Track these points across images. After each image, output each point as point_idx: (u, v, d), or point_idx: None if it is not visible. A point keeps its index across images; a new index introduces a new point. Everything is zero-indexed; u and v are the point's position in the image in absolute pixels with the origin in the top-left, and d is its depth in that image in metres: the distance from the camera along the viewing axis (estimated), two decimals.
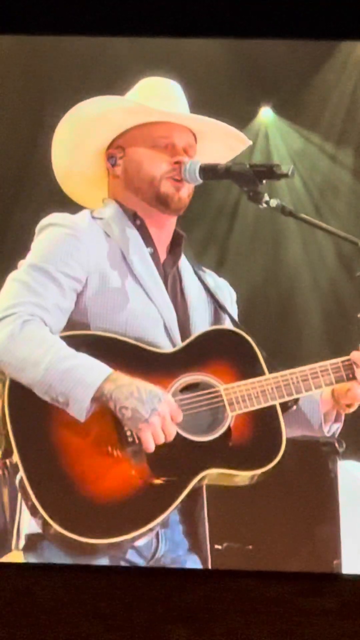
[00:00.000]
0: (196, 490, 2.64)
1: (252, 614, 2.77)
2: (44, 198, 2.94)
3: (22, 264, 2.70)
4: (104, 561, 2.61)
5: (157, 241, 2.80)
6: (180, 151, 2.78)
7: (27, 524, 2.62)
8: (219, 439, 2.62)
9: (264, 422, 2.66)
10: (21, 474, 2.53)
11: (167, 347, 2.70)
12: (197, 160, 2.77)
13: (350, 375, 2.71)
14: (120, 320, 2.67)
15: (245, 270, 5.13)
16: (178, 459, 2.58)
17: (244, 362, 2.69)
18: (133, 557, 2.64)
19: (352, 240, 2.72)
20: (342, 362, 2.72)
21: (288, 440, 2.65)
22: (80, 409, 2.53)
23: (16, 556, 2.76)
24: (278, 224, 5.12)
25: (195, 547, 2.72)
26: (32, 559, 2.64)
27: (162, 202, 2.76)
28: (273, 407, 2.67)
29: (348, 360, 2.72)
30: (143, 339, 2.66)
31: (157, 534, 2.64)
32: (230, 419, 2.63)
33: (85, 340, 2.63)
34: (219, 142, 2.87)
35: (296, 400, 2.74)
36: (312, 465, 3.95)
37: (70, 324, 2.66)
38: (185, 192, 2.78)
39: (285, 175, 2.72)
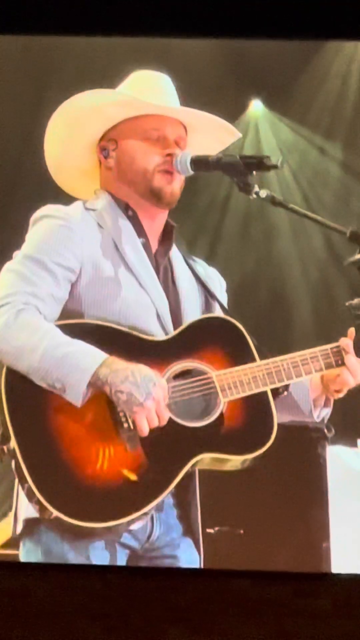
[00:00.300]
0: (189, 475, 2.66)
1: (248, 614, 2.79)
2: (38, 190, 2.96)
3: (17, 255, 2.72)
4: (99, 544, 2.63)
5: (149, 232, 2.82)
6: (172, 143, 2.80)
7: (25, 509, 2.64)
8: (211, 425, 2.64)
9: (255, 407, 2.68)
10: (18, 458, 2.55)
11: (159, 335, 2.72)
12: (188, 152, 2.78)
13: (339, 362, 2.74)
14: (114, 309, 2.69)
15: (235, 259, 5.12)
16: (172, 444, 2.60)
17: (235, 349, 2.71)
18: (128, 541, 2.66)
19: (340, 230, 2.73)
20: (331, 348, 2.75)
21: (278, 426, 2.67)
22: (76, 394, 2.55)
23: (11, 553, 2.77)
24: (268, 215, 5.11)
25: (189, 531, 2.74)
26: (30, 544, 2.66)
27: (154, 196, 2.79)
28: (264, 393, 2.69)
29: (337, 347, 2.75)
30: (136, 327, 2.69)
31: (152, 518, 2.67)
32: (222, 404, 2.65)
33: (80, 328, 2.64)
34: (209, 135, 2.88)
35: (287, 387, 2.77)
36: (302, 450, 3.97)
37: (65, 313, 2.68)
38: (177, 184, 2.80)
39: (275, 167, 2.73)
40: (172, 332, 2.73)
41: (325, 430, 2.92)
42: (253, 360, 2.71)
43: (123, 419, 2.58)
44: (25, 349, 2.57)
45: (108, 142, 2.84)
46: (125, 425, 2.58)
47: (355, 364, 2.74)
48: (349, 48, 5.07)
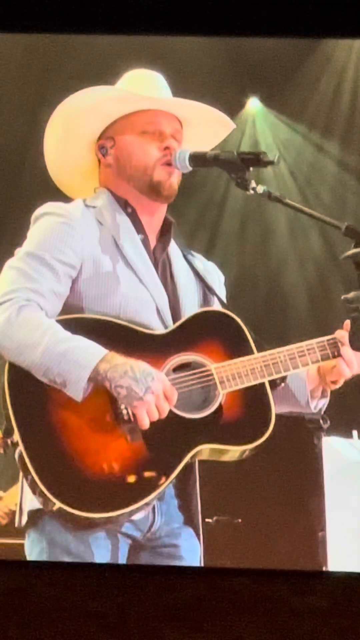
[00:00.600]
0: (189, 467, 2.69)
1: (245, 613, 2.78)
2: (39, 188, 2.99)
3: (19, 252, 2.74)
4: (101, 534, 2.65)
5: (147, 228, 2.84)
6: (169, 137, 2.83)
7: (29, 501, 2.67)
8: (210, 416, 2.67)
9: (253, 399, 2.70)
10: (22, 451, 2.58)
11: (159, 329, 2.74)
12: (186, 149, 2.81)
13: (336, 353, 2.77)
14: (114, 304, 2.72)
15: (233, 254, 5.13)
16: (172, 435, 2.63)
17: (233, 342, 2.73)
18: (130, 531, 2.69)
19: (336, 225, 2.74)
20: (328, 340, 2.78)
21: (275, 417, 2.69)
22: (76, 389, 2.57)
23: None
24: (266, 210, 5.12)
25: (189, 520, 2.77)
26: (35, 535, 2.69)
27: (154, 190, 2.81)
28: (262, 385, 2.72)
29: (333, 339, 2.78)
30: (136, 321, 2.71)
31: (154, 508, 2.69)
32: (221, 396, 2.68)
33: (81, 323, 2.67)
34: (204, 128, 2.91)
35: (284, 378, 2.79)
36: (298, 441, 3.98)
37: (66, 309, 2.70)
38: (176, 178, 2.82)
39: (271, 163, 2.76)
40: (171, 326, 2.75)
41: (321, 422, 2.94)
42: (251, 352, 2.74)
43: (124, 412, 2.60)
44: (27, 346, 2.60)
45: (106, 140, 2.86)
46: (126, 417, 2.60)
47: (351, 355, 2.77)
48: (345, 45, 5.06)
